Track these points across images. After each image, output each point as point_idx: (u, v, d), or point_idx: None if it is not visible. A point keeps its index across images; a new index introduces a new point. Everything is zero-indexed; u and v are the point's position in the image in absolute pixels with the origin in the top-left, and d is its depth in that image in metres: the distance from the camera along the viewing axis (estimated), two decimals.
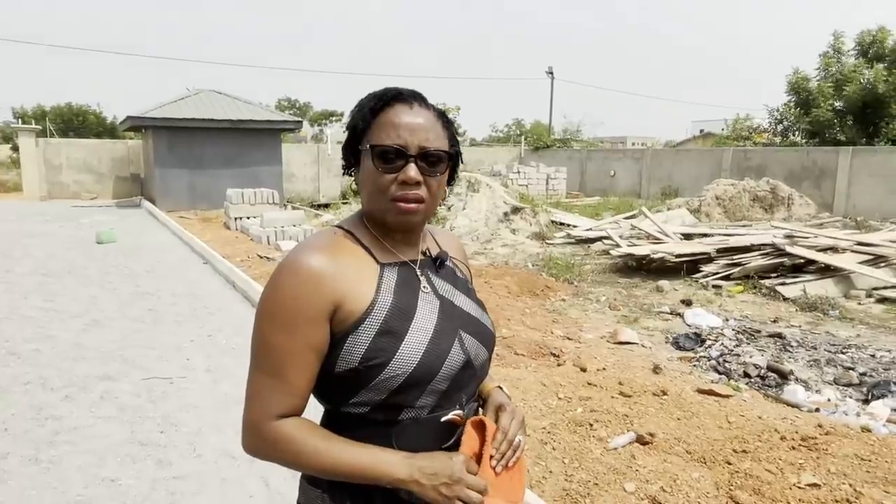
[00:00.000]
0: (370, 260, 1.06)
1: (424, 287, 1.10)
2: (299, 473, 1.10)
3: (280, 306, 0.99)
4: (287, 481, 2.98)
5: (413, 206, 1.04)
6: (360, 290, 1.02)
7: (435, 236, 1.23)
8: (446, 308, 1.10)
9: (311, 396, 1.08)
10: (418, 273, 1.11)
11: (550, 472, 2.92)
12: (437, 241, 1.22)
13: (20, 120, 30.83)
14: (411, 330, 1.03)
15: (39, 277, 7.81)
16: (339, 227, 1.11)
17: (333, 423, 1.07)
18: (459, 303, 1.14)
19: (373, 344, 1.00)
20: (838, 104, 19.66)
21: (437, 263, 1.16)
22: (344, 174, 1.13)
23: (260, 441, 1.02)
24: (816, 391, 4.28)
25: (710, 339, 5.37)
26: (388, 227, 1.09)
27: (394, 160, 1.02)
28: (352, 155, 1.09)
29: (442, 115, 1.09)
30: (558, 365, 4.51)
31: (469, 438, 1.07)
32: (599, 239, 10.63)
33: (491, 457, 1.06)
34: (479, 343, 1.13)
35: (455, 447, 1.06)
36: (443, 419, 1.07)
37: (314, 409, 1.08)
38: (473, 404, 1.15)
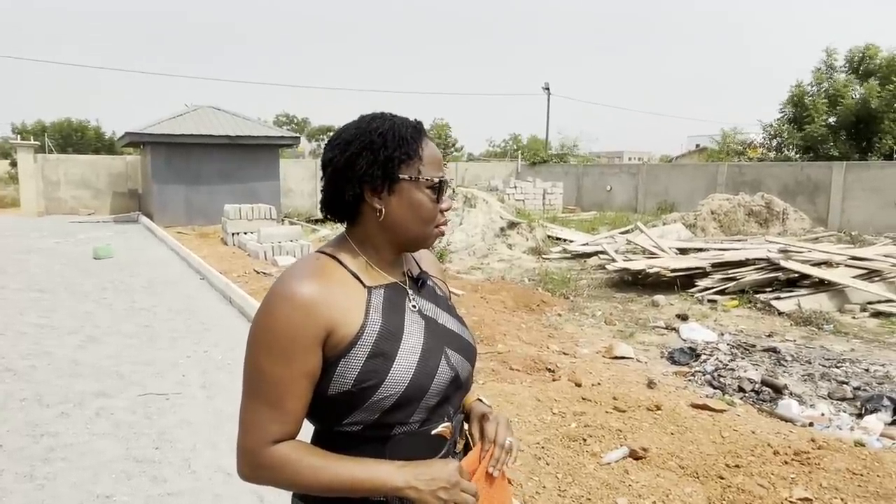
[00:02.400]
0: (357, 284, 1.09)
1: (410, 308, 1.13)
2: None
3: (274, 335, 1.01)
4: (282, 497, 2.98)
5: (446, 229, 1.17)
6: (350, 315, 1.05)
7: (412, 254, 1.26)
8: (431, 327, 1.14)
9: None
10: (407, 294, 1.15)
11: (544, 487, 2.93)
12: (415, 258, 1.26)
13: (19, 136, 30.93)
14: (401, 350, 1.06)
15: (35, 293, 7.81)
16: (322, 252, 1.13)
17: (325, 441, 1.09)
18: (443, 321, 1.18)
19: (365, 366, 1.03)
20: (832, 120, 19.88)
21: (420, 284, 1.19)
22: (346, 198, 1.09)
23: (257, 468, 1.04)
24: (810, 405, 4.30)
25: (704, 354, 5.39)
26: (411, 248, 1.16)
27: (441, 192, 1.12)
28: (384, 183, 1.08)
29: None
30: (553, 380, 4.52)
31: (472, 455, 1.12)
32: (595, 254, 10.67)
33: (483, 461, 1.12)
34: (464, 358, 1.17)
35: (445, 458, 1.11)
36: (433, 432, 1.11)
37: (304, 428, 1.10)
38: (460, 416, 1.20)
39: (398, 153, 1.07)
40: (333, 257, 1.11)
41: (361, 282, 1.10)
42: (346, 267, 1.10)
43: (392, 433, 1.07)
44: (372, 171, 1.07)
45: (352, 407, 1.04)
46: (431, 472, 1.03)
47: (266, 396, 1.02)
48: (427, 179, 1.10)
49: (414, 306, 1.14)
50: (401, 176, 1.08)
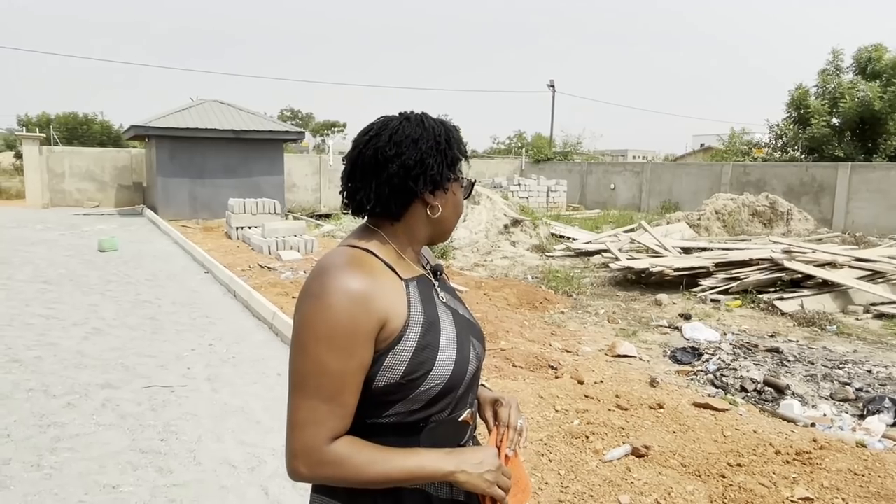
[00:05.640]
0: (394, 276, 1.10)
1: (439, 299, 1.17)
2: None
3: (337, 330, 1.00)
4: (286, 490, 3.01)
5: None
6: (396, 307, 1.06)
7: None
8: (456, 317, 1.18)
9: None
10: (431, 286, 1.18)
11: (546, 483, 2.95)
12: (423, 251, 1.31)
13: (24, 128, 31.03)
14: (441, 341, 1.09)
15: (41, 285, 7.85)
16: (354, 246, 1.12)
17: (358, 433, 1.09)
18: (462, 311, 1.22)
19: (413, 358, 1.05)
20: (835, 120, 19.79)
21: (437, 275, 1.23)
22: (418, 194, 1.12)
23: (317, 466, 1.03)
24: (812, 406, 4.31)
25: (707, 353, 5.40)
26: (438, 242, 1.22)
27: (470, 191, 1.23)
28: (447, 182, 1.14)
29: None
30: (556, 377, 4.54)
31: (491, 439, 1.21)
32: (599, 252, 10.68)
33: (500, 444, 1.20)
34: (482, 347, 1.23)
35: (468, 443, 1.19)
36: (460, 419, 1.15)
37: None
38: (476, 402, 1.24)
39: (459, 153, 1.15)
40: (368, 251, 1.12)
41: (398, 274, 1.11)
42: (381, 260, 1.11)
43: (429, 422, 1.10)
44: (442, 170, 1.12)
45: (397, 398, 1.06)
46: (478, 456, 1.10)
47: (325, 392, 1.02)
48: (465, 179, 1.19)
49: (442, 298, 1.18)
50: (453, 176, 1.15)
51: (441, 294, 1.18)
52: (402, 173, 1.09)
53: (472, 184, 1.21)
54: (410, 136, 1.10)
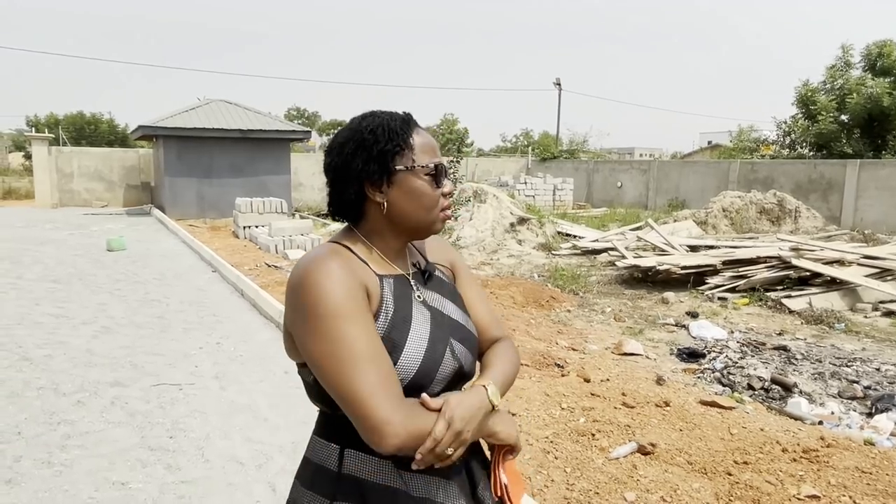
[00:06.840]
0: (369, 272, 1.13)
1: (417, 298, 1.18)
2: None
3: (337, 299, 1.02)
4: None
5: (451, 213, 1.22)
6: (372, 293, 1.11)
7: (419, 244, 1.31)
8: (437, 318, 1.18)
9: (308, 399, 1.16)
10: (412, 285, 1.19)
11: (552, 480, 2.96)
12: (421, 249, 1.30)
13: (33, 128, 31.26)
14: (409, 338, 1.10)
15: (50, 284, 7.91)
16: (334, 241, 1.18)
17: (333, 424, 1.11)
18: (448, 311, 1.22)
19: None
20: (844, 117, 19.65)
21: (426, 276, 1.24)
22: (350, 197, 1.15)
23: (410, 420, 1.00)
24: (820, 404, 4.29)
25: (714, 352, 5.38)
26: (420, 236, 1.20)
27: (440, 177, 1.16)
28: (382, 177, 1.13)
29: None
30: (562, 375, 4.54)
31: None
32: (605, 250, 10.65)
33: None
34: (467, 349, 1.21)
35: None
36: None
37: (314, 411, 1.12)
38: None
39: (390, 146, 1.12)
40: (346, 247, 1.16)
41: (373, 270, 1.14)
42: (357, 256, 1.14)
43: None
44: (368, 167, 1.12)
45: None
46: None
47: (365, 357, 1.00)
48: (422, 167, 1.14)
49: (419, 297, 1.18)
50: (396, 167, 1.13)
51: (419, 293, 1.19)
52: (335, 179, 1.16)
53: (438, 168, 1.15)
54: (339, 141, 1.16)
